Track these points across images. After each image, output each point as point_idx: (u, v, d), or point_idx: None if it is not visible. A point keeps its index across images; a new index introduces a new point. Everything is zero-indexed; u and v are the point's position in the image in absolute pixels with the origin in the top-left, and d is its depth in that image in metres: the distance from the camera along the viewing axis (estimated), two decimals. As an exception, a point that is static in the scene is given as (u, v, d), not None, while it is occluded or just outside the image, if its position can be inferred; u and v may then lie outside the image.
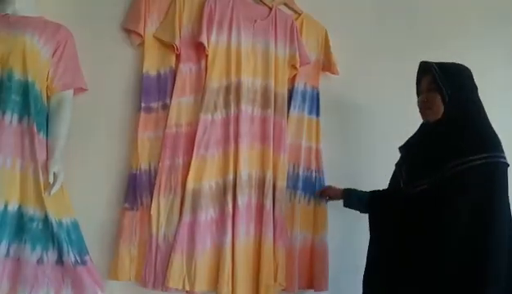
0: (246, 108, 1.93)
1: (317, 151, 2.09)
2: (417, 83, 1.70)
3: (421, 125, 1.67)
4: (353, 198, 1.86)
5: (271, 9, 2.07)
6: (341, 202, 1.91)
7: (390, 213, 1.65)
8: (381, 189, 1.78)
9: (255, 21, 2.02)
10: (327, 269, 1.99)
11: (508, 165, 1.49)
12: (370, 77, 2.25)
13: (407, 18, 2.39)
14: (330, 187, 2.00)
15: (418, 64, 1.69)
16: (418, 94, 1.69)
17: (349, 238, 2.06)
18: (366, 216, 1.76)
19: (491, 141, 1.49)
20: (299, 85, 2.09)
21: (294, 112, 2.06)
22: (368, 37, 2.29)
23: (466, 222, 1.42)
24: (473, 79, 1.60)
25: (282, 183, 1.94)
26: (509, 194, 1.48)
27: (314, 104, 2.12)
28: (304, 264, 1.99)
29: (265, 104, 1.97)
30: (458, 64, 1.62)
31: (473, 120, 1.52)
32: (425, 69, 1.63)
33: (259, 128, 1.95)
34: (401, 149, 1.70)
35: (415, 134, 1.68)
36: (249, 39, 2.00)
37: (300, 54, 2.06)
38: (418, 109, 1.66)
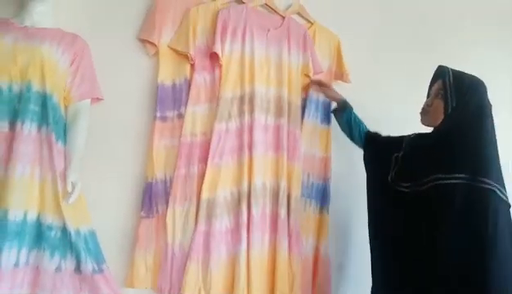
0: (260, 117, 1.94)
1: (327, 159, 2.09)
2: (429, 87, 1.69)
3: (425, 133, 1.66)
4: (346, 114, 1.92)
5: (284, 18, 2.09)
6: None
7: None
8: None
9: (268, 30, 2.04)
10: (330, 278, 1.98)
11: (493, 190, 1.41)
12: (380, 85, 2.26)
13: (419, 25, 2.41)
14: (331, 89, 2.02)
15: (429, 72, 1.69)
16: (427, 97, 1.69)
17: (349, 248, 2.05)
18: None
19: (479, 163, 1.43)
20: (313, 94, 2.10)
21: (308, 121, 2.07)
22: (380, 45, 2.31)
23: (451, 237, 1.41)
24: (485, 97, 1.54)
25: (297, 192, 1.94)
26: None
27: (326, 113, 2.13)
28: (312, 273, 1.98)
29: (279, 113, 1.98)
30: (475, 78, 1.57)
31: (468, 137, 1.47)
32: (440, 74, 1.62)
33: (273, 137, 1.96)
34: (405, 139, 1.68)
35: (419, 136, 1.66)
36: (263, 48, 2.01)
37: (313, 63, 2.07)
38: None
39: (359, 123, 1.92)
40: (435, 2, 2.47)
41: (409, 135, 1.69)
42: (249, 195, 1.86)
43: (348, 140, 2.00)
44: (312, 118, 2.08)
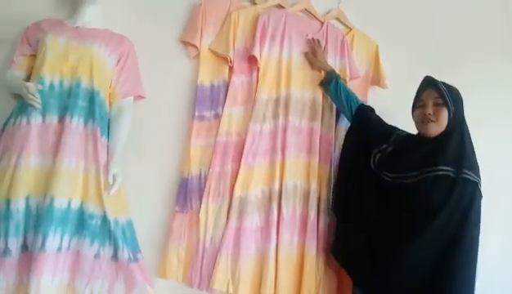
0: (294, 119, 1.97)
1: None
2: (418, 96, 1.71)
3: (417, 135, 1.71)
4: (334, 85, 1.95)
5: (322, 23, 2.12)
6: None
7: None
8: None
9: (307, 35, 2.07)
10: None
11: (476, 183, 1.57)
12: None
13: (458, 33, 2.39)
14: (319, 58, 2.02)
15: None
16: (418, 106, 1.70)
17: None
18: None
19: (463, 158, 1.58)
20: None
21: (342, 125, 2.08)
22: (417, 51, 2.30)
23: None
24: (462, 101, 1.68)
25: (327, 195, 1.96)
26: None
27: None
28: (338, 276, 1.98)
29: (312, 116, 2.00)
30: (452, 85, 1.67)
31: (457, 137, 1.62)
32: (431, 83, 1.67)
33: (306, 140, 1.98)
34: (395, 134, 1.77)
35: (411, 137, 1.74)
36: (300, 53, 2.04)
37: (350, 68, 2.09)
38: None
39: (347, 95, 1.95)
40: (475, 12, 2.44)
41: (400, 132, 1.79)
42: (280, 195, 1.90)
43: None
44: (346, 122, 2.08)
